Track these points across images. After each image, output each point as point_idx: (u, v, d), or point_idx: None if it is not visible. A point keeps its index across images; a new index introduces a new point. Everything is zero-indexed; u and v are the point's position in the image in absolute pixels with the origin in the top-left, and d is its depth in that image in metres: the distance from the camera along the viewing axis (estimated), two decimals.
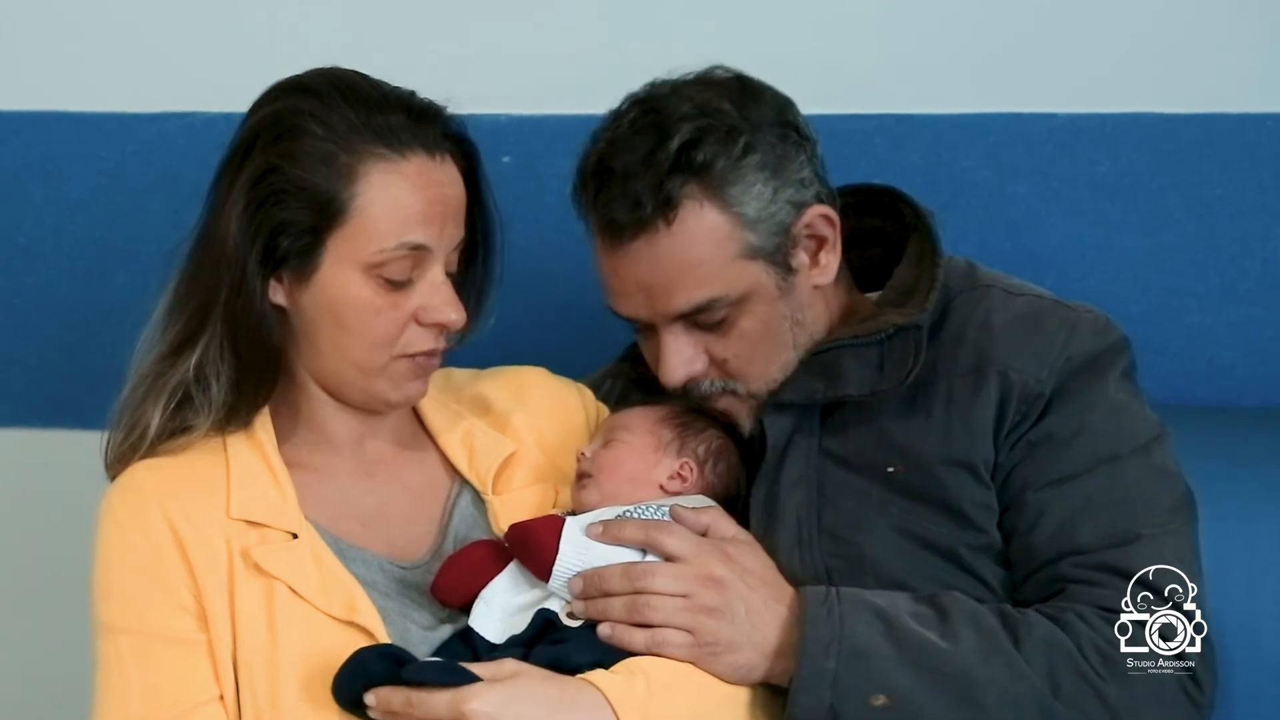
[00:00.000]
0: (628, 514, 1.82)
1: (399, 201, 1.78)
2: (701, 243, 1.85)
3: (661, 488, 1.89)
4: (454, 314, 1.83)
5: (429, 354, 1.85)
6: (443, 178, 1.82)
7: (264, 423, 1.86)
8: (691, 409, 1.95)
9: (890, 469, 1.88)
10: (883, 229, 2.02)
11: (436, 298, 1.82)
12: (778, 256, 1.88)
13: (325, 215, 1.78)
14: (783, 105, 1.92)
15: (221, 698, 1.76)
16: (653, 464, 1.90)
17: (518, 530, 1.80)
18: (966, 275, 1.98)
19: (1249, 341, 2.29)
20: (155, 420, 1.82)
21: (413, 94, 1.84)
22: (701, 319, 1.88)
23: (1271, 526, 2.05)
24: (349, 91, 1.81)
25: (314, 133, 1.78)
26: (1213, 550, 1.90)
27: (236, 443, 1.85)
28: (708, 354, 1.90)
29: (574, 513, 1.86)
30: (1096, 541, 1.82)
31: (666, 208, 1.83)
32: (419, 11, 2.41)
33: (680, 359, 1.90)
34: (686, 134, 1.84)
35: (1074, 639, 1.77)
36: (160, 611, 1.77)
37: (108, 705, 1.77)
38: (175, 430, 1.83)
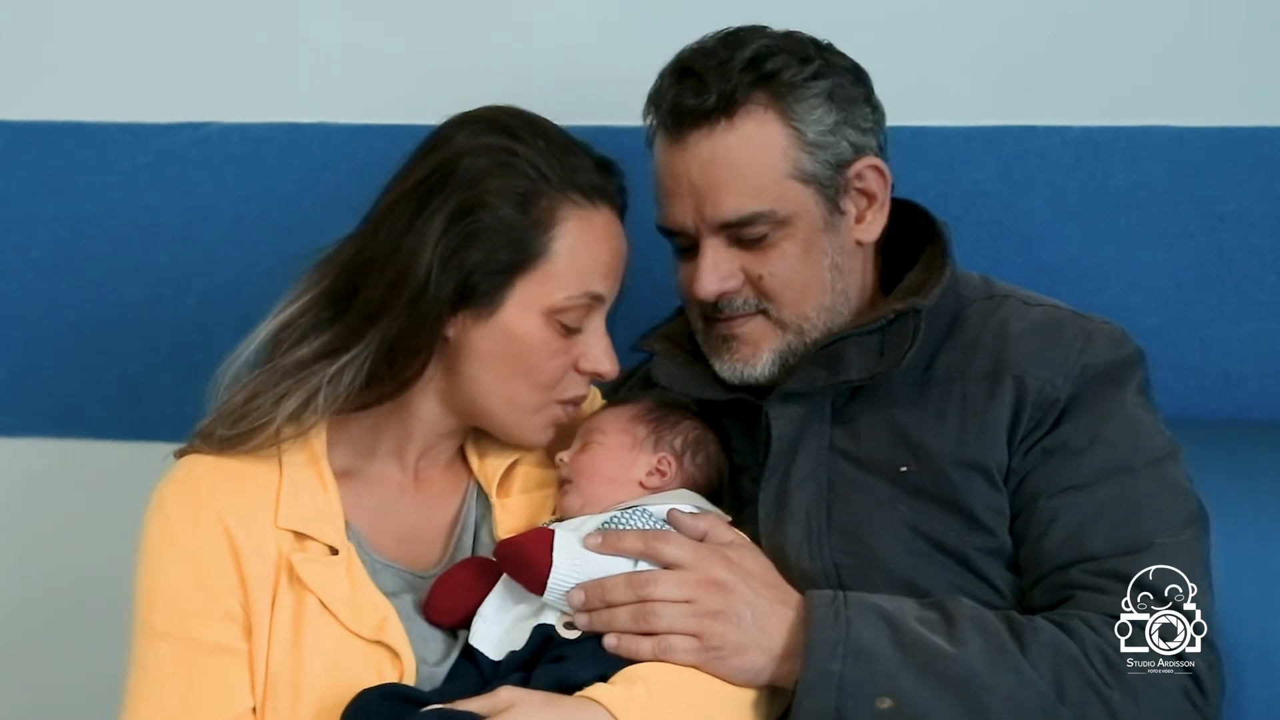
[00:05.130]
0: (614, 520, 1.80)
1: (590, 250, 1.82)
2: (757, 150, 1.89)
3: (641, 485, 1.88)
4: (610, 365, 1.86)
5: (576, 401, 1.88)
6: (619, 231, 1.87)
7: (318, 430, 1.84)
8: (665, 403, 1.95)
9: (903, 468, 1.88)
10: (904, 242, 2.02)
11: (599, 348, 1.85)
12: (829, 191, 1.92)
13: (522, 257, 1.79)
14: (860, 68, 1.97)
15: (254, 710, 1.75)
16: (629, 463, 1.89)
17: (507, 546, 1.79)
18: (983, 286, 2.00)
19: (1263, 355, 2.28)
20: (281, 418, 1.78)
21: (589, 145, 1.86)
22: (744, 234, 1.90)
23: None
24: (543, 134, 1.83)
25: (524, 173, 1.79)
26: (1226, 564, 1.89)
27: (291, 450, 1.83)
28: (744, 273, 1.92)
29: (561, 519, 1.86)
30: (1107, 549, 1.81)
31: (730, 104, 1.88)
32: (425, 26, 2.40)
33: (717, 272, 1.91)
34: (761, 46, 1.90)
35: (1080, 645, 1.75)
36: (206, 620, 1.76)
37: (142, 708, 1.75)
38: (246, 431, 1.80)
